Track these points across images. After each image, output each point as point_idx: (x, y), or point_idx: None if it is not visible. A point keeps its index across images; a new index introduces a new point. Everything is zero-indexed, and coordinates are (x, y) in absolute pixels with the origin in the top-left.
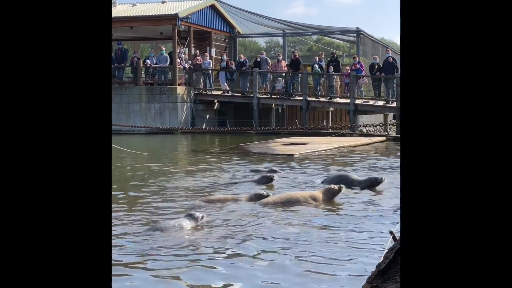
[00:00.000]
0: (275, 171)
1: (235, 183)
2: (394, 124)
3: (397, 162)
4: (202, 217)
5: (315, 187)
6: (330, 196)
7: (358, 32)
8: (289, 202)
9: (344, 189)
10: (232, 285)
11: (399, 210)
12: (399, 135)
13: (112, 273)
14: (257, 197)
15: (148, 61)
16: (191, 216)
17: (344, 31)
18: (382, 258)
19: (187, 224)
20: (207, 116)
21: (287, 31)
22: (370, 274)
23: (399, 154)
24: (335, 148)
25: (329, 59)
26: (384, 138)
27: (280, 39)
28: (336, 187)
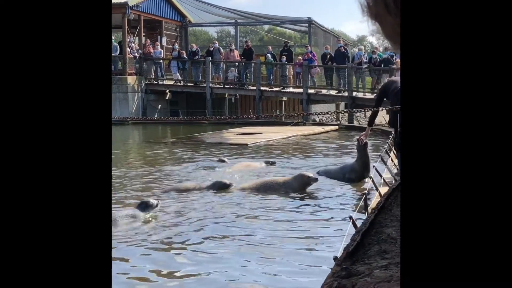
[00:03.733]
0: (223, 161)
1: (190, 172)
2: (346, 112)
3: (348, 148)
4: (157, 205)
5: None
6: (302, 184)
7: (309, 22)
8: (264, 189)
9: (317, 180)
10: (192, 275)
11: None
12: (351, 124)
13: None
14: (218, 185)
15: None
16: (146, 204)
17: (296, 21)
18: (349, 241)
19: (141, 212)
20: (159, 106)
21: (238, 21)
22: (337, 256)
23: (353, 140)
24: (289, 137)
25: (281, 48)
26: (337, 127)
27: (231, 29)
28: (309, 175)
